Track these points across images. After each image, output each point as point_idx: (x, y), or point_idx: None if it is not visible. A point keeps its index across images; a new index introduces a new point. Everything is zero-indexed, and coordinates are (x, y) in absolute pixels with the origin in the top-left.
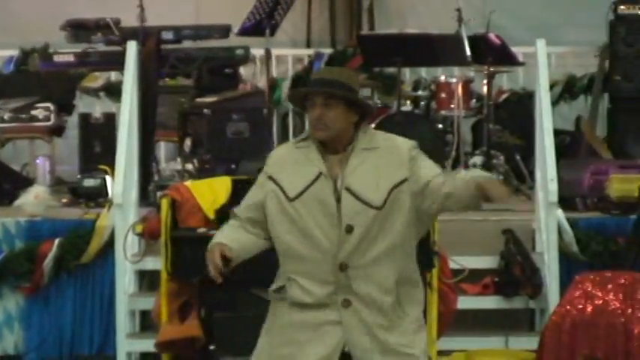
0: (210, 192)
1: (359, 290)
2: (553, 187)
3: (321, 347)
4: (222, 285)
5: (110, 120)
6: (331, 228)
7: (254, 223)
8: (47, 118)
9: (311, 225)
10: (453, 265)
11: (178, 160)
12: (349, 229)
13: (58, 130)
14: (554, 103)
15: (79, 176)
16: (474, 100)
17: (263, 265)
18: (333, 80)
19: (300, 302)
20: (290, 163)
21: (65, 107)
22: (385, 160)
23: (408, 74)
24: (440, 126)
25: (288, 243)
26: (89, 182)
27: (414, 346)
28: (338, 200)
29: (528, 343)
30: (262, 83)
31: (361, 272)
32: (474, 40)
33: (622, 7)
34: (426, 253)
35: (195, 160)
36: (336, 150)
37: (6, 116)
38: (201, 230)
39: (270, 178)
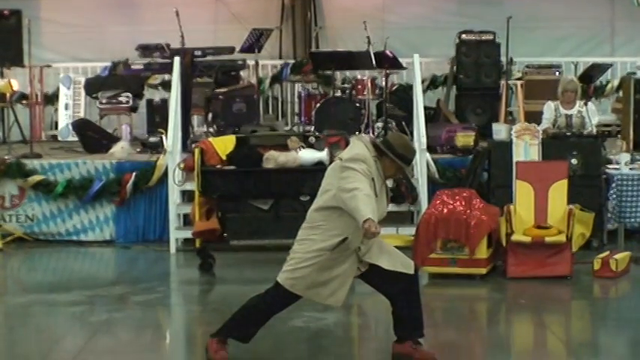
0: (223, 144)
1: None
2: (423, 140)
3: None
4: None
5: (164, 103)
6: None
7: None
8: (127, 102)
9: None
10: None
11: (204, 126)
12: None
13: (134, 109)
14: (424, 91)
15: (146, 135)
16: (378, 90)
17: (253, 188)
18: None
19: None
20: (375, 173)
21: (138, 95)
22: None
23: (338, 74)
24: (357, 105)
25: None
26: (153, 139)
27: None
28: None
29: (410, 231)
30: (253, 80)
31: None
32: (377, 55)
33: (463, 35)
34: None
35: (214, 126)
36: None
37: (104, 101)
38: (218, 166)
39: (373, 180)
